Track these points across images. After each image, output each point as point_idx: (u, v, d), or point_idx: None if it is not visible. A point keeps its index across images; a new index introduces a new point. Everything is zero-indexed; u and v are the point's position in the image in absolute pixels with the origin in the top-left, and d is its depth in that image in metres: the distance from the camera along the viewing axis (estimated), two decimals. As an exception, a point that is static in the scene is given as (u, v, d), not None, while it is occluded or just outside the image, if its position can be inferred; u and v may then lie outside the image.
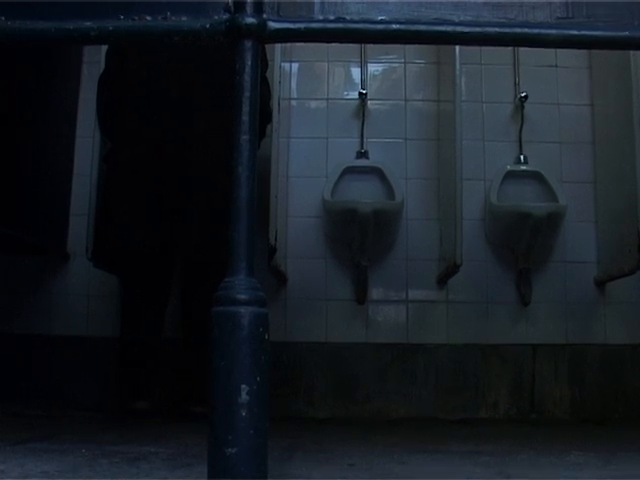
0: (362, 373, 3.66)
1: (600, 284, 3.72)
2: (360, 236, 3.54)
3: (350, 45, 3.70)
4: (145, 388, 3.14)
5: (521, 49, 3.73)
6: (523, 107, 3.84)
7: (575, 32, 1.67)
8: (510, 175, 3.73)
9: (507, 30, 1.68)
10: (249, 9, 1.56)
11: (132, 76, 3.12)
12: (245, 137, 1.51)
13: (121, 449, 2.05)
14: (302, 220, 3.77)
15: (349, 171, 3.73)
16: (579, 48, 2.73)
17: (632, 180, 3.25)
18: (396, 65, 4.00)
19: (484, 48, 3.60)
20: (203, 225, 3.04)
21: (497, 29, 1.67)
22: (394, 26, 1.63)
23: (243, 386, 1.40)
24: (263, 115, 2.97)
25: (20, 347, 3.63)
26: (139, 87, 3.12)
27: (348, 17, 1.64)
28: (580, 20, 1.69)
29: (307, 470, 1.81)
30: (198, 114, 3.07)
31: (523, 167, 3.79)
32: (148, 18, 1.61)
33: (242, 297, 1.44)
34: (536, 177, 3.71)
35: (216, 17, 1.59)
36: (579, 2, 1.69)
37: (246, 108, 1.52)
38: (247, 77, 1.53)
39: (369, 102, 3.92)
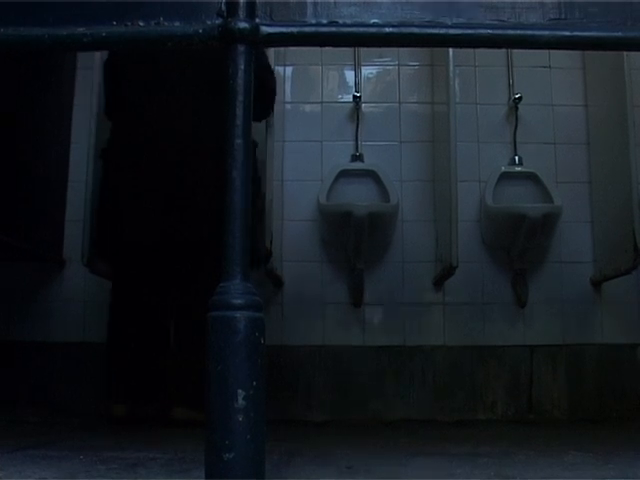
0: (359, 376, 3.66)
1: (596, 284, 3.72)
2: (355, 239, 3.54)
3: (344, 48, 3.69)
4: (136, 393, 3.09)
5: (515, 50, 3.73)
6: (517, 108, 3.84)
7: (568, 33, 1.68)
8: (505, 176, 3.74)
9: (500, 32, 1.68)
10: (242, 14, 1.57)
11: (133, 70, 3.12)
12: (239, 141, 1.51)
13: (119, 455, 2.04)
14: (297, 223, 3.77)
15: (344, 174, 3.73)
16: (572, 49, 2.75)
17: (627, 180, 3.26)
18: (390, 68, 4.00)
19: (478, 50, 3.60)
20: (203, 222, 2.99)
21: (490, 31, 1.67)
22: (387, 29, 1.63)
23: (239, 391, 1.40)
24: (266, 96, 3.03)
25: (17, 354, 3.63)
26: (140, 82, 3.12)
27: (341, 21, 1.64)
28: (573, 21, 1.69)
29: (305, 474, 1.81)
30: (196, 110, 3.05)
31: (518, 168, 3.79)
32: (141, 24, 1.61)
33: (237, 302, 1.44)
34: (531, 178, 3.71)
35: (209, 22, 1.59)
36: (572, 3, 1.70)
37: (240, 112, 1.52)
38: (240, 81, 1.53)
39: (363, 105, 3.92)
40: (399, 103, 3.96)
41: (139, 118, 3.12)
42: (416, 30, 1.66)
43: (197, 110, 3.05)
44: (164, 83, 3.09)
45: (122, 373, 3.10)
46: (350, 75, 3.97)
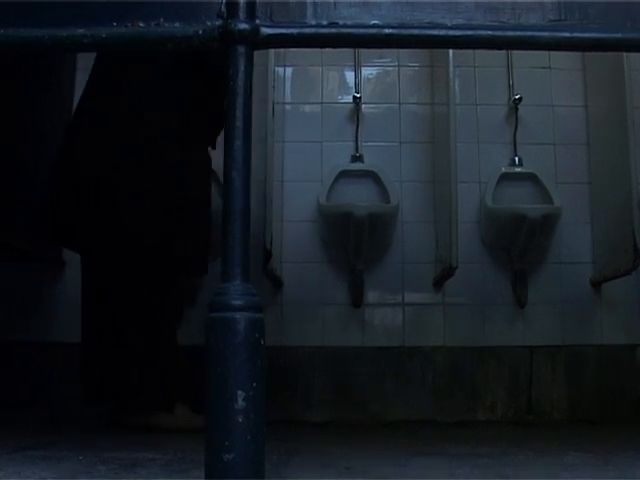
0: (359, 376, 3.66)
1: (596, 285, 3.73)
2: (355, 239, 3.54)
3: (344, 49, 3.69)
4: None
5: (515, 51, 3.73)
6: (517, 109, 3.85)
7: (568, 34, 1.68)
8: (505, 177, 3.74)
9: (500, 33, 1.68)
10: (242, 15, 1.57)
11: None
12: (238, 142, 1.51)
13: (118, 455, 2.04)
14: (297, 224, 3.78)
15: (344, 175, 3.74)
16: (572, 50, 2.75)
17: (627, 180, 3.26)
18: (390, 68, 4.01)
19: (478, 51, 3.60)
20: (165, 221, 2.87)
21: (490, 32, 1.67)
22: (387, 30, 1.63)
23: (239, 392, 1.40)
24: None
25: (17, 354, 3.63)
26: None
27: (341, 22, 1.64)
28: (573, 22, 1.69)
29: (304, 474, 1.81)
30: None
31: (518, 169, 3.80)
32: (141, 25, 1.61)
33: (237, 303, 1.44)
34: (531, 179, 3.72)
35: (209, 23, 1.59)
36: (571, 4, 1.70)
37: (239, 114, 1.52)
38: (240, 83, 1.53)
39: (363, 106, 3.92)
40: (399, 104, 3.97)
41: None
42: (416, 31, 1.66)
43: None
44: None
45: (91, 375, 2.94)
46: (350, 76, 3.98)
